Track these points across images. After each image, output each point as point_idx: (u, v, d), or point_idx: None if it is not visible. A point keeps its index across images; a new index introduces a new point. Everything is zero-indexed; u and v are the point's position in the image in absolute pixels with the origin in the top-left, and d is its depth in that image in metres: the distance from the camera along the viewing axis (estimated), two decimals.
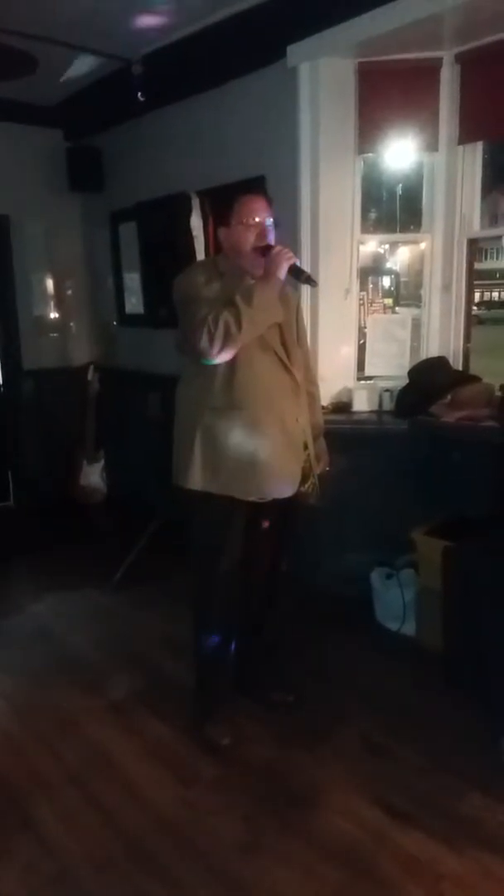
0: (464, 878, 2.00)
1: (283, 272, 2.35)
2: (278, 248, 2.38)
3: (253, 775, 2.45)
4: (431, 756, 2.51)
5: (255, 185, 3.49)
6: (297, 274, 2.40)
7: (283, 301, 2.43)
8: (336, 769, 2.47)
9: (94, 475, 5.03)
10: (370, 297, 4.53)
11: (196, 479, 2.43)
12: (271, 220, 2.43)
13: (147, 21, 3.57)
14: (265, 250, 2.39)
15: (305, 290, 3.13)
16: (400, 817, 2.23)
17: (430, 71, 3.38)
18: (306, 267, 3.56)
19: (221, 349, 2.27)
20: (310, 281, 2.45)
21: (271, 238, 2.42)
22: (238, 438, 2.38)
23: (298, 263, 2.41)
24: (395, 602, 3.35)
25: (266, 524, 2.59)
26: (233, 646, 2.64)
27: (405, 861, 2.06)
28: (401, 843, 2.13)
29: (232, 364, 2.35)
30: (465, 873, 2.02)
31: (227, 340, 2.25)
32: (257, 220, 2.39)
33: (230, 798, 2.35)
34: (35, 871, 2.07)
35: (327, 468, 2.75)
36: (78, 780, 2.45)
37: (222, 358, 2.31)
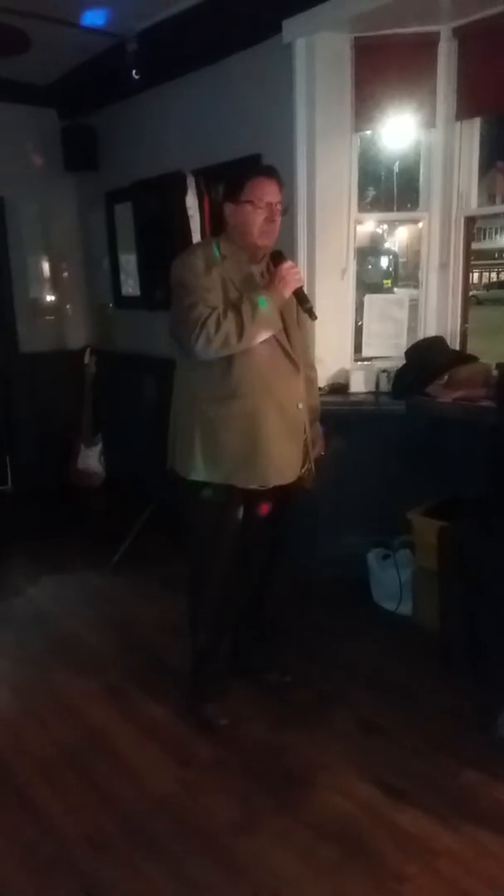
0: (459, 854, 2.01)
1: (288, 293, 2.33)
2: (289, 264, 2.34)
3: (249, 755, 2.46)
4: (427, 735, 2.52)
5: (250, 164, 3.44)
6: (301, 299, 2.38)
7: None
8: (332, 749, 2.47)
9: (91, 459, 5.03)
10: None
11: (198, 469, 2.41)
12: (280, 205, 2.37)
13: None
14: (275, 257, 2.37)
15: (302, 268, 3.10)
16: (396, 795, 2.24)
17: (427, 46, 3.32)
18: (302, 247, 3.54)
19: (217, 354, 2.26)
20: (311, 313, 2.40)
21: (277, 222, 2.36)
22: (238, 428, 2.36)
23: (304, 288, 2.39)
24: (392, 582, 3.35)
25: (264, 509, 2.57)
26: (229, 629, 2.64)
27: (401, 838, 2.07)
28: (396, 821, 2.14)
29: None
30: (460, 850, 2.03)
31: (224, 348, 2.24)
32: (268, 201, 2.33)
33: (226, 778, 2.36)
34: (33, 851, 2.08)
35: (322, 453, 2.73)
36: (75, 762, 2.46)
37: (216, 357, 2.29)
